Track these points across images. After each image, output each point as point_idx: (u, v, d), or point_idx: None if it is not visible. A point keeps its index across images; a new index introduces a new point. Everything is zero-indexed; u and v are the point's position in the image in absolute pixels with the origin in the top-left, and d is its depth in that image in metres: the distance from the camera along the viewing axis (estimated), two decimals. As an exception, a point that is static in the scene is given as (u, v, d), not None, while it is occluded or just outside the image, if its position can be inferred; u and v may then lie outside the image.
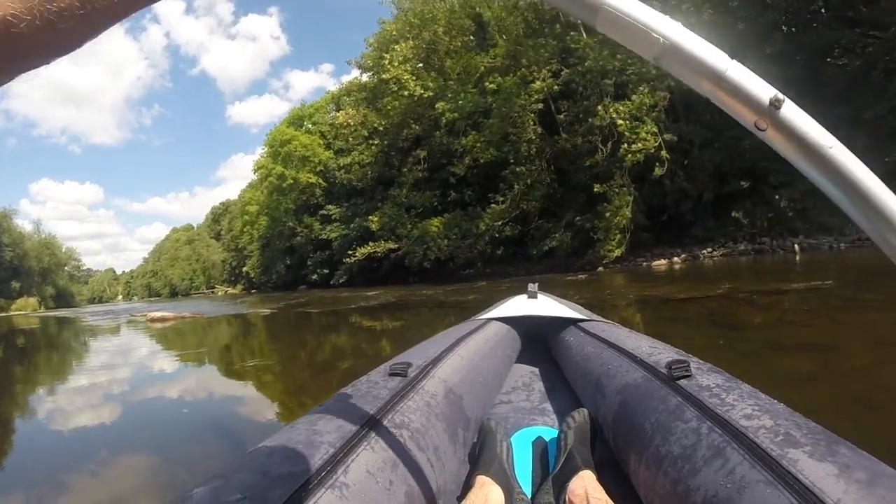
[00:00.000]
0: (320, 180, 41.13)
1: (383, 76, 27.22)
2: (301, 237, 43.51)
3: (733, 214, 20.23)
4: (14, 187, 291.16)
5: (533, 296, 2.88)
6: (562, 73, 22.36)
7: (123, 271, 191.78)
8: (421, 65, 27.21)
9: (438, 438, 1.31)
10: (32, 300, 70.81)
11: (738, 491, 0.87)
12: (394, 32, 28.71)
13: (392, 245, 29.01)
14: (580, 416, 1.51)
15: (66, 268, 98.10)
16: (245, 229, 58.18)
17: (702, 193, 20.77)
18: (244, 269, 64.01)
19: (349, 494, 0.92)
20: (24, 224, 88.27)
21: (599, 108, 20.62)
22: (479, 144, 24.35)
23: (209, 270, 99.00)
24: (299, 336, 10.62)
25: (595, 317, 2.51)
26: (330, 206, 39.76)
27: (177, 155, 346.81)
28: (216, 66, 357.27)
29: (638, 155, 19.38)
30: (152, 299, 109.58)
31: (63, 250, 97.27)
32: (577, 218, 22.64)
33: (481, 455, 1.39)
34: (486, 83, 23.60)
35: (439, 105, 25.16)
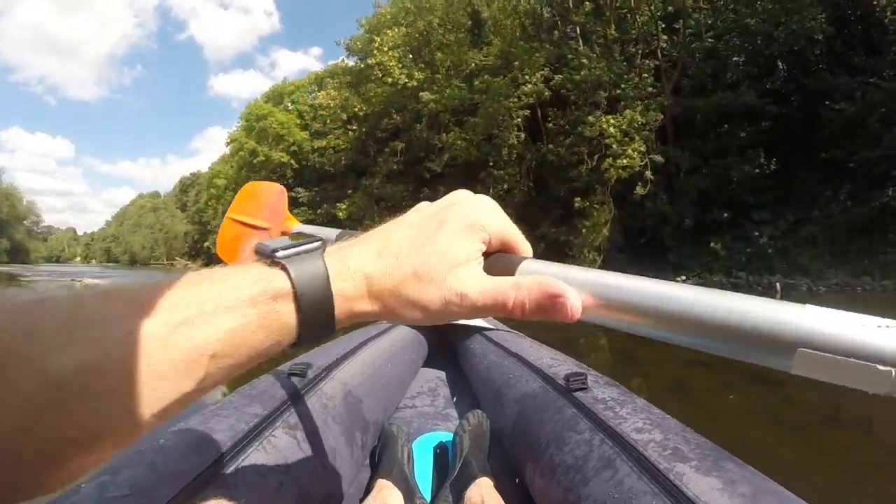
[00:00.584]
0: (292, 161, 40.02)
1: (369, 61, 26.28)
2: (265, 217, 42.02)
3: (711, 245, 19.61)
4: None
5: None
6: (553, 80, 21.64)
7: (85, 232, 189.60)
8: (411, 55, 26.29)
9: (335, 441, 1.26)
10: None
11: (626, 501, 0.87)
12: (388, 17, 27.81)
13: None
14: (475, 417, 1.54)
15: (24, 222, 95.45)
16: (210, 203, 56.83)
17: (682, 219, 20.13)
18: (206, 243, 62.77)
19: (237, 494, 0.89)
20: None
21: (590, 118, 19.88)
22: (460, 142, 23.50)
23: (171, 241, 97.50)
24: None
25: (501, 326, 2.51)
26: (299, 189, 38.65)
27: (153, 119, 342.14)
28: (205, 34, 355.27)
29: (622, 171, 18.73)
30: (110, 265, 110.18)
31: (24, 203, 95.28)
32: (553, 230, 21.81)
33: (382, 459, 1.38)
34: (477, 81, 22.84)
35: (424, 94, 24.34)
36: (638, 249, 20.98)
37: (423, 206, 0.51)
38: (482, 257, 0.46)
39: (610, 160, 18.86)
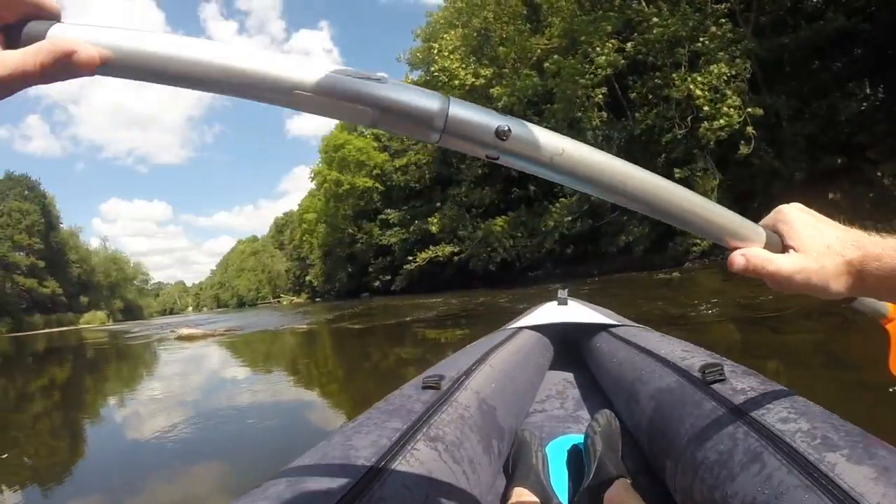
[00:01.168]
0: (377, 184, 40.18)
1: (432, 68, 25.80)
2: (361, 243, 42.87)
3: (830, 196, 17.99)
4: (85, 208, 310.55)
5: (563, 302, 2.83)
6: (626, 47, 20.45)
7: (193, 283, 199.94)
8: (472, 55, 25.64)
9: (473, 451, 1.27)
10: (100, 314, 73.82)
11: (776, 497, 0.85)
12: (441, 21, 27.33)
13: (454, 248, 27.45)
14: (604, 418, 1.55)
15: (134, 281, 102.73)
16: (304, 238, 57.90)
17: (793, 172, 18.56)
18: (307, 278, 64.13)
19: None
20: (91, 241, 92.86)
21: (675, 77, 18.60)
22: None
23: (274, 280, 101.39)
24: (342, 360, 8.98)
25: (627, 322, 2.47)
26: (388, 211, 38.87)
27: (240, 170, 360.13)
28: None
29: (721, 133, 17.37)
30: (220, 310, 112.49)
31: (131, 265, 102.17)
32: None
33: (517, 466, 1.40)
34: (547, 64, 21.84)
35: (495, 90, 23.59)
36: (750, 213, 19.37)
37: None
38: None
39: (706, 125, 17.55)
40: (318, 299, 59.36)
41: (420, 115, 0.47)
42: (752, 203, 19.40)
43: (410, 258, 29.12)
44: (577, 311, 2.66)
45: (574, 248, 24.37)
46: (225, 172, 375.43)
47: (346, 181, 40.27)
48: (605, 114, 22.02)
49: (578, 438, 1.65)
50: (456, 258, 27.44)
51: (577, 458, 1.56)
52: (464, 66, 24.76)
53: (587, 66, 20.69)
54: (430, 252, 27.75)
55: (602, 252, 23.28)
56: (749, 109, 17.33)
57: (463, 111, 0.49)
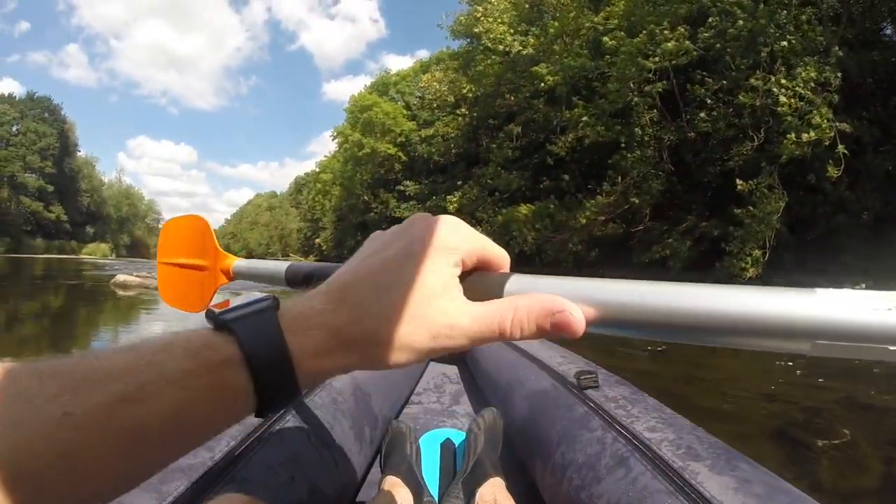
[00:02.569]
0: (400, 153, 38.01)
1: (476, 30, 23.42)
2: (375, 213, 40.91)
3: (900, 244, 15.61)
4: (113, 141, 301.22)
5: None
6: (699, 36, 17.88)
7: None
8: (522, 24, 23.20)
9: (345, 436, 1.28)
10: (104, 246, 74.23)
11: (640, 500, 0.88)
12: (491, -16, 24.73)
13: None
14: (489, 415, 1.53)
15: (145, 219, 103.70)
16: (317, 199, 56.08)
17: (863, 209, 16.14)
18: (317, 240, 62.59)
19: (249, 489, 0.91)
20: (112, 174, 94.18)
21: (754, 81, 15.96)
22: (587, 118, 20.03)
23: (286, 238, 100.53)
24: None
25: None
26: (407, 182, 36.69)
27: (270, 126, 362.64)
28: (314, 44, 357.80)
29: (805, 148, 14.78)
30: None
31: (144, 202, 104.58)
32: (703, 223, 18.20)
33: (390, 456, 1.40)
34: (606, 39, 19.28)
35: (538, 68, 21.21)
36: (805, 247, 17.06)
37: (378, 236, 0.45)
38: (460, 281, 0.41)
39: (791, 136, 14.90)
40: (323, 261, 57.19)
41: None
42: (807, 235, 16.99)
43: None
44: None
45: (598, 252, 21.88)
46: (254, 126, 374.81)
47: (368, 144, 38.15)
48: (656, 112, 19.67)
49: (452, 433, 1.66)
50: None
51: (448, 453, 1.56)
52: (511, 30, 22.36)
53: (652, 48, 18.13)
54: None
55: (631, 261, 20.93)
56: (840, 126, 14.77)
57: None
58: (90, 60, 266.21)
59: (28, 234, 62.99)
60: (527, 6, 23.69)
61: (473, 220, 25.12)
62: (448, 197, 27.15)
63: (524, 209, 21.85)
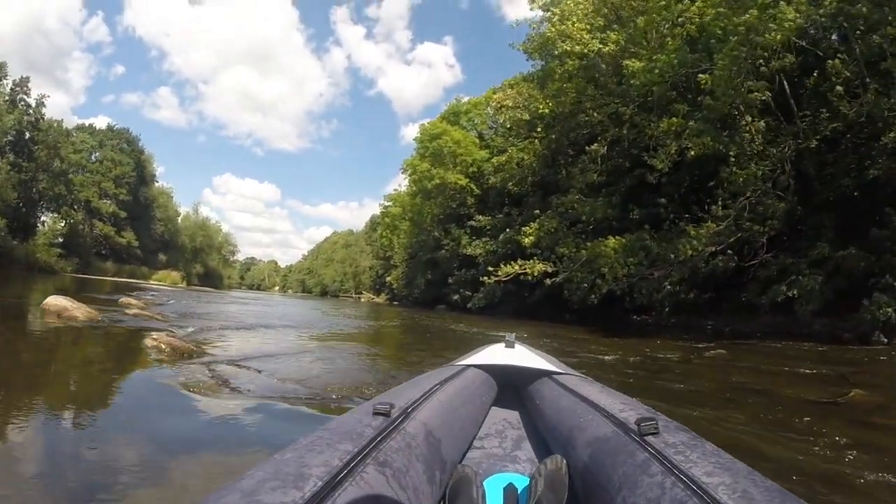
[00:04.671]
0: (472, 185, 35.45)
1: (548, 31, 20.72)
2: (446, 250, 38.13)
3: None
4: (199, 177, 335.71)
5: (510, 345, 2.93)
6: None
7: (287, 265, 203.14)
8: (602, 21, 20.33)
9: (418, 479, 1.33)
10: (175, 274, 74.30)
11: None
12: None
13: (547, 267, 21.61)
14: (552, 463, 1.59)
15: (220, 251, 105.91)
16: (385, 234, 54.21)
17: None
18: (388, 278, 61.64)
19: None
20: (184, 206, 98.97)
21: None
22: (693, 123, 16.65)
23: (359, 276, 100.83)
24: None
25: (569, 370, 2.59)
26: (480, 217, 33.91)
27: (350, 167, 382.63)
28: (392, 89, 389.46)
29: None
30: (303, 294, 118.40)
31: (221, 234, 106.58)
32: (840, 252, 14.48)
33: (456, 500, 1.45)
34: (708, 20, 16.24)
35: (629, 63, 18.17)
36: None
37: None
38: None
39: None
40: (395, 302, 56.39)
41: None
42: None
43: (491, 270, 23.42)
44: (523, 355, 2.78)
45: (697, 294, 18.39)
46: (335, 167, 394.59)
47: (438, 175, 35.73)
48: (769, 117, 16.40)
49: (515, 477, 1.72)
50: (548, 280, 21.58)
51: (512, 497, 1.60)
52: (589, 27, 19.56)
53: (769, 21, 14.61)
54: (516, 266, 21.91)
55: (742, 304, 17.37)
56: None
57: None
58: (180, 103, 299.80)
59: (99, 257, 65.94)
60: (605, 9, 20.88)
61: (553, 256, 22.04)
62: (523, 229, 23.98)
63: (612, 242, 18.40)
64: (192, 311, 15.71)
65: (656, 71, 17.33)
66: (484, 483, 1.63)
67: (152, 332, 7.04)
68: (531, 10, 24.32)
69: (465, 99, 43.39)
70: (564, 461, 1.58)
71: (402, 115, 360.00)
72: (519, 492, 1.61)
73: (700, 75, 16.22)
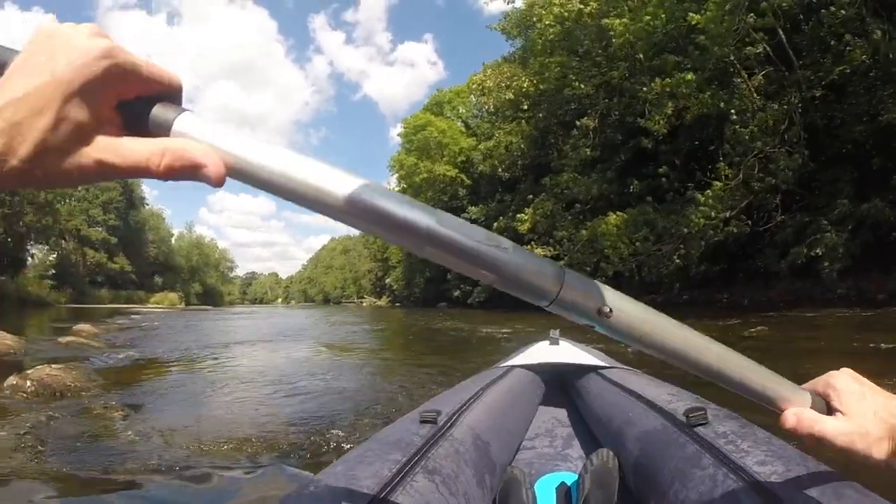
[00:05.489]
0: (462, 175, 34.17)
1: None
2: (441, 245, 36.35)
3: None
4: (194, 198, 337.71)
5: (555, 342, 2.87)
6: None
7: (288, 276, 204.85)
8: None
9: (468, 484, 1.31)
10: (173, 295, 74.76)
11: None
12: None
13: (548, 251, 20.31)
14: (598, 458, 1.54)
15: (218, 268, 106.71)
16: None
17: None
18: (387, 280, 61.10)
19: None
20: (176, 226, 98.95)
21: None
22: (690, 77, 15.31)
23: (359, 280, 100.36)
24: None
25: (615, 364, 2.50)
26: (472, 208, 32.69)
27: None
28: (377, 91, 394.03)
29: None
30: (307, 304, 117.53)
31: (217, 252, 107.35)
32: (865, 206, 13.25)
33: (507, 502, 1.42)
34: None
35: (611, 21, 16.96)
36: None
37: (40, 47, 0.41)
38: (117, 113, 0.43)
39: None
40: (397, 304, 55.84)
41: (536, 286, 0.51)
42: None
43: None
44: (568, 351, 2.73)
45: (708, 266, 17.21)
46: None
47: (425, 168, 34.48)
48: (762, 76, 15.19)
49: (567, 476, 1.69)
50: None
51: (564, 495, 1.58)
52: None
53: None
54: None
55: (758, 272, 16.15)
56: None
57: (575, 286, 0.53)
58: None
59: (94, 285, 65.25)
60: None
61: (551, 240, 20.80)
62: (518, 215, 22.75)
63: (613, 219, 17.11)
64: (162, 334, 14.54)
65: (641, 25, 16.13)
66: (536, 483, 1.62)
67: (39, 365, 5.84)
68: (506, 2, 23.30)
69: (447, 89, 42.18)
70: (612, 454, 1.53)
71: (390, 115, 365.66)
72: (572, 490, 1.58)
73: (691, 14, 14.99)
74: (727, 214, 14.83)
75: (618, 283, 18.44)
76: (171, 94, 0.45)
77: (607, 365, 2.39)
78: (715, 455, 1.14)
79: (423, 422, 1.44)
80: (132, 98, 0.43)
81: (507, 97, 23.35)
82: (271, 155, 0.46)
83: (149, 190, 79.12)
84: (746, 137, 14.52)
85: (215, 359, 9.35)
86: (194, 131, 0.44)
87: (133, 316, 26.06)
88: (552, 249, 20.09)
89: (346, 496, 0.97)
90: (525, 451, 1.94)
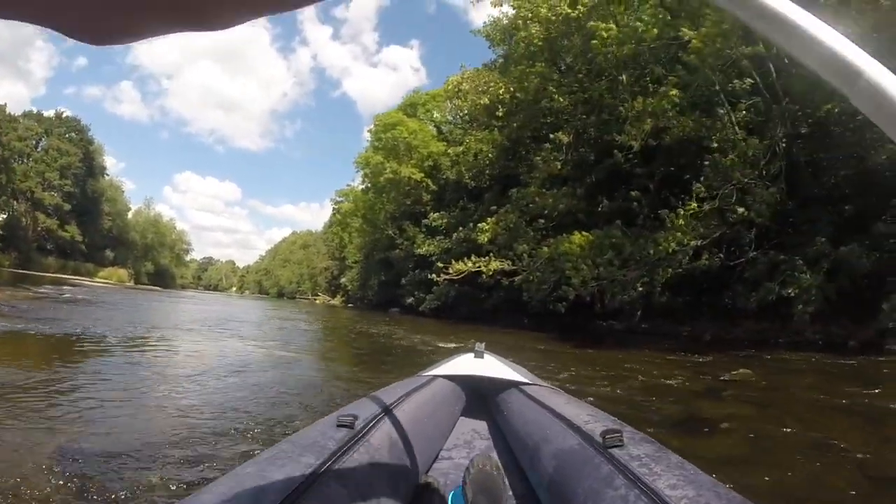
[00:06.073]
0: (428, 181, 33.21)
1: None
2: (400, 249, 35.82)
3: None
4: (160, 175, 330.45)
5: (479, 355, 2.88)
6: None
7: (246, 265, 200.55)
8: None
9: (381, 491, 1.31)
10: (122, 271, 72.45)
11: None
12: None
13: (505, 265, 19.27)
14: (478, 464, 1.56)
15: (173, 249, 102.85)
16: (336, 231, 51.77)
17: None
18: (343, 280, 59.29)
19: None
20: (135, 201, 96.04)
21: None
22: (672, 95, 14.58)
23: (316, 277, 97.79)
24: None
25: (538, 381, 2.55)
26: (435, 215, 31.64)
27: (313, 167, 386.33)
28: (357, 90, 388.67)
29: None
30: (261, 296, 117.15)
31: (174, 232, 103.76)
32: (843, 248, 12.42)
33: None
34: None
35: (596, 24, 16.24)
36: None
37: None
38: None
39: None
40: (350, 304, 54.17)
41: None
42: None
43: (442, 266, 20.97)
44: (492, 366, 2.71)
45: (670, 297, 16.33)
46: (298, 167, 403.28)
47: (391, 168, 33.35)
48: (744, 111, 14.77)
49: None
50: (506, 281, 19.33)
51: None
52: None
53: None
54: (469, 263, 19.43)
55: (726, 307, 15.33)
56: None
57: None
58: (143, 97, 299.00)
59: (42, 252, 62.56)
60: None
61: (511, 254, 19.77)
62: (479, 225, 21.74)
63: (578, 238, 16.15)
64: (82, 310, 13.34)
65: (629, 30, 15.46)
66: (450, 495, 1.63)
67: None
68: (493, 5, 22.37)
69: (424, 92, 41.25)
70: (493, 458, 1.61)
71: (367, 116, 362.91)
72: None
73: (684, 29, 14.31)
74: (699, 243, 14.03)
75: (574, 305, 17.59)
76: None
77: (529, 381, 2.42)
78: (628, 477, 1.14)
79: (340, 426, 1.41)
80: None
81: (482, 102, 22.38)
82: None
83: (114, 162, 76.69)
84: (726, 165, 13.76)
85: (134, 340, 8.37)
86: None
87: (65, 287, 25.15)
88: (510, 263, 19.07)
89: (254, 498, 0.94)
90: (442, 461, 1.99)
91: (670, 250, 13.88)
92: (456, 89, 24.05)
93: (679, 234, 13.75)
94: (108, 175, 77.21)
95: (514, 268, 18.81)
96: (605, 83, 18.17)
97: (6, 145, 56.02)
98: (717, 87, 14.57)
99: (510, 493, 1.65)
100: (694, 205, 13.84)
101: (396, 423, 1.65)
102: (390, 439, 1.52)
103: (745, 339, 13.37)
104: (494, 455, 2.00)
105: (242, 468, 1.09)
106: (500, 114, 22.77)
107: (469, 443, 2.21)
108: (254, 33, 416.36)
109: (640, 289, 15.44)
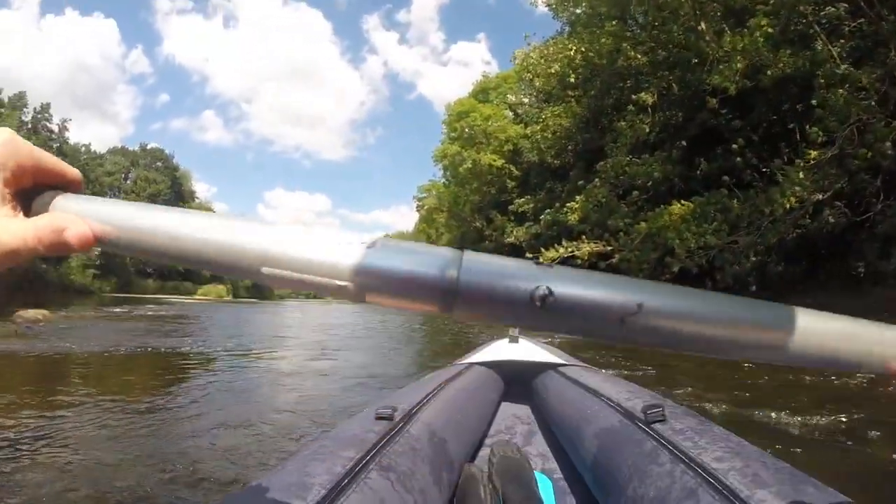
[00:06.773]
0: (510, 166, 31.96)
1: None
2: (489, 241, 34.64)
3: None
4: (251, 194, 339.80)
5: (514, 340, 2.91)
6: None
7: None
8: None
9: (424, 482, 1.28)
10: (220, 287, 77.11)
11: None
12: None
13: (600, 247, 17.70)
14: (499, 451, 1.56)
15: None
16: (422, 227, 51.19)
17: None
18: None
19: None
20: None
21: None
22: (763, 26, 12.84)
23: None
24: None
25: (575, 361, 2.57)
26: (519, 201, 30.28)
27: (398, 171, 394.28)
28: (432, 91, 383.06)
29: None
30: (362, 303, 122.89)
31: None
32: None
33: (465, 500, 1.41)
34: None
35: None
36: None
37: None
38: (12, 200, 0.44)
39: None
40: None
41: (421, 284, 0.41)
42: None
43: (531, 256, 19.53)
44: (528, 350, 2.76)
45: (785, 266, 14.64)
46: (383, 173, 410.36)
47: (470, 157, 32.35)
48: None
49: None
50: (602, 264, 17.72)
51: None
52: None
53: None
54: (561, 250, 17.84)
55: (849, 273, 13.44)
56: None
57: (480, 271, 0.41)
58: (225, 123, 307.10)
59: (141, 275, 67.11)
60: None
61: (606, 232, 18.26)
62: (568, 205, 20.34)
63: (678, 208, 14.57)
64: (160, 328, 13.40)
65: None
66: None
67: None
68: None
69: (493, 74, 40.03)
70: (514, 444, 1.63)
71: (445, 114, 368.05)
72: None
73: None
74: (821, 196, 12.21)
75: (682, 280, 15.98)
76: (69, 187, 0.47)
77: (567, 363, 2.45)
78: (672, 451, 1.13)
79: (379, 418, 1.39)
80: (28, 187, 0.45)
81: (552, 71, 20.90)
82: (153, 217, 0.45)
83: (206, 187, 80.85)
84: (840, 103, 11.88)
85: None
86: (70, 208, 0.44)
87: (167, 307, 26.19)
88: (605, 244, 17.53)
89: (297, 493, 0.93)
90: (486, 449, 1.90)
91: (789, 207, 12.10)
92: (524, 63, 22.76)
93: (798, 187, 11.96)
94: (197, 198, 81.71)
95: (611, 248, 17.30)
96: (683, 30, 16.46)
97: (95, 181, 58.92)
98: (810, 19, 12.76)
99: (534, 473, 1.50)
100: (814, 152, 12.02)
101: (436, 413, 1.61)
102: (430, 429, 1.48)
103: (885, 311, 11.58)
104: (515, 439, 2.00)
105: (283, 465, 1.08)
106: (574, 80, 21.25)
107: (511, 428, 2.18)
108: (322, 48, 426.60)
109: (754, 258, 13.76)
